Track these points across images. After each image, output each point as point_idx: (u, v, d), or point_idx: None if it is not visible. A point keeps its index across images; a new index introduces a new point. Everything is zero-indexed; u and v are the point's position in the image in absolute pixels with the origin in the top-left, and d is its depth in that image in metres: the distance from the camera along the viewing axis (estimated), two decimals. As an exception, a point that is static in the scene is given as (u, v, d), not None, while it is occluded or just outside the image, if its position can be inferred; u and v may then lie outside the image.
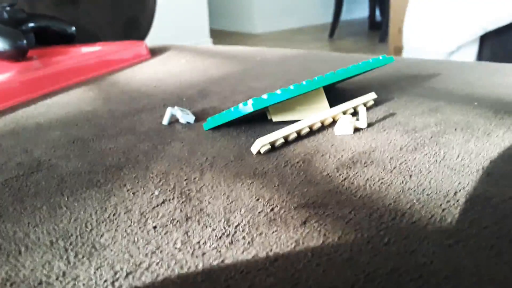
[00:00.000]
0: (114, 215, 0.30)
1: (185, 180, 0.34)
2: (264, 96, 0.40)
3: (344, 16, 3.53)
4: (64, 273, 0.24)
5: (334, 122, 0.44)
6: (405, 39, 1.62)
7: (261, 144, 0.37)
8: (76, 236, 0.27)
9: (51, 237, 0.27)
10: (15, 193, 0.34)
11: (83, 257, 0.25)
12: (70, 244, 0.26)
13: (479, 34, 1.37)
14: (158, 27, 1.33)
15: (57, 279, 0.23)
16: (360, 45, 2.81)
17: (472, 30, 1.39)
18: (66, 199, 0.32)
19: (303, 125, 0.40)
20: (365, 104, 0.47)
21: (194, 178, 0.35)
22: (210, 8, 3.19)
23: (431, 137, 0.39)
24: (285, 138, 0.40)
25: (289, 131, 0.39)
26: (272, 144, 0.39)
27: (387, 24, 2.56)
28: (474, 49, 1.48)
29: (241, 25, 3.88)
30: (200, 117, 0.49)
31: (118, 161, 0.39)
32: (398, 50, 2.17)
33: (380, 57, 0.49)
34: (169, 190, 0.33)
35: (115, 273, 0.23)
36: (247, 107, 0.39)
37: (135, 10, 1.25)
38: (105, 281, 0.23)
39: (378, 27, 3.15)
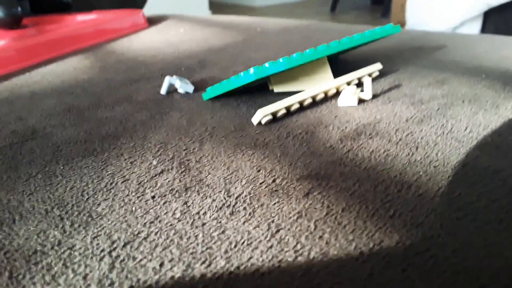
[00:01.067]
0: (111, 184, 0.29)
1: (184, 150, 0.33)
2: (266, 65, 0.39)
3: (346, -11, 3.45)
4: (59, 242, 0.23)
5: (338, 93, 0.43)
6: (408, 15, 1.59)
7: (262, 114, 0.36)
8: (72, 205, 0.26)
9: (46, 205, 0.26)
10: (9, 161, 0.33)
11: (79, 226, 0.24)
12: (66, 213, 0.26)
13: (483, 9, 1.34)
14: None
15: (52, 248, 0.22)
16: (362, 20, 2.76)
17: (476, 6, 1.36)
18: (62, 167, 0.31)
19: (306, 96, 0.39)
20: (370, 75, 0.46)
21: (193, 149, 0.34)
22: (209, -22, 3.11)
23: (438, 109, 0.38)
24: (287, 108, 0.38)
25: (292, 101, 0.38)
26: (274, 114, 0.37)
27: (390, -2, 2.51)
28: (477, 25, 1.45)
29: (240, -3, 3.80)
30: (199, 87, 0.48)
31: (115, 130, 0.38)
32: (401, 26, 2.13)
33: (386, 26, 0.47)
34: (168, 160, 0.32)
35: (112, 243, 0.23)
36: (249, 75, 0.38)
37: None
38: (102, 250, 0.22)
39: (381, 2, 3.09)
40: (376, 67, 0.46)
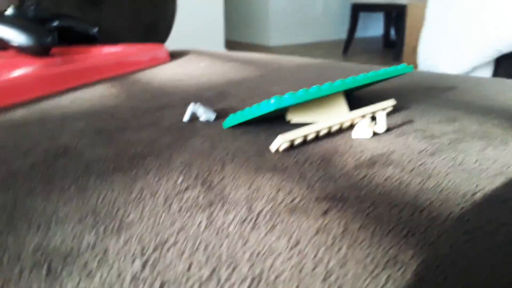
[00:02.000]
0: (140, 197, 0.31)
1: (207, 171, 0.35)
2: (284, 96, 0.41)
3: (359, 33, 3.55)
4: (94, 245, 0.25)
5: (352, 126, 0.45)
6: (420, 59, 1.63)
7: (282, 140, 0.38)
8: (105, 214, 0.28)
9: (80, 213, 0.28)
10: (43, 175, 0.35)
11: (111, 232, 0.26)
12: (99, 220, 0.28)
13: (494, 56, 1.37)
14: (175, 35, 1.35)
15: (87, 249, 0.24)
16: (374, 63, 2.82)
17: (487, 52, 1.39)
18: (94, 181, 0.33)
19: (322, 126, 0.41)
20: (383, 110, 0.48)
21: (215, 170, 0.36)
22: (226, 18, 3.24)
23: (449, 143, 0.39)
24: (305, 137, 0.41)
25: (309, 130, 0.40)
26: (292, 142, 0.40)
27: (402, 43, 2.58)
28: (489, 70, 1.48)
29: (256, 37, 3.92)
30: (219, 116, 0.50)
31: (142, 151, 0.40)
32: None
33: (400, 66, 0.50)
34: (192, 179, 0.34)
35: (143, 247, 0.24)
36: (269, 105, 0.40)
37: (155, 15, 1.28)
38: (134, 253, 0.24)
39: (392, 46, 3.16)
40: (390, 103, 0.48)
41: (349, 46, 3.13)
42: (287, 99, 0.41)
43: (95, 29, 1.06)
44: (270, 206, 0.29)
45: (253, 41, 3.94)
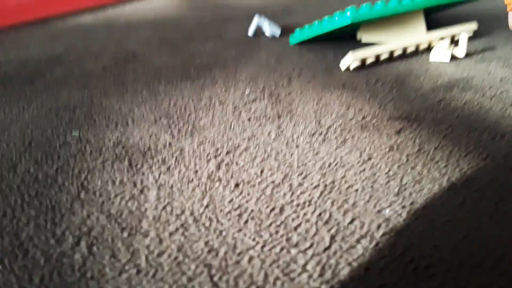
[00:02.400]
0: (210, 104, 0.31)
1: (274, 84, 0.35)
2: (361, 8, 0.39)
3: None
4: (170, 144, 0.25)
5: (429, 48, 0.42)
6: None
7: (353, 57, 0.36)
8: (177, 117, 0.29)
9: (154, 115, 0.29)
10: (115, 77, 0.36)
11: (185, 133, 0.27)
12: (173, 122, 0.28)
13: None
14: None
15: (164, 147, 0.25)
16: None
17: None
18: (164, 87, 0.34)
19: (396, 46, 0.39)
20: (464, 33, 0.44)
21: (282, 84, 0.35)
22: None
23: (537, 72, 0.36)
24: (377, 57, 0.38)
25: (383, 50, 0.38)
26: (363, 61, 0.38)
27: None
28: None
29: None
30: (285, 32, 0.49)
31: (208, 62, 0.40)
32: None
33: None
34: (259, 91, 0.33)
35: (217, 149, 0.25)
36: (344, 18, 0.38)
37: None
38: (208, 154, 0.24)
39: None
40: (471, 26, 0.44)
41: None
42: (364, 12, 0.38)
43: None
44: (340, 122, 0.29)
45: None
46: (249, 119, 0.29)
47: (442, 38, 0.42)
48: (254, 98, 0.32)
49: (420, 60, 0.39)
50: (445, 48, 0.39)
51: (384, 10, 0.38)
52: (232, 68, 0.38)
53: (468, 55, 0.41)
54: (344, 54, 0.41)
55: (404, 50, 0.40)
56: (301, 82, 0.35)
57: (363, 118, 0.29)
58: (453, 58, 0.40)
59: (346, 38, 0.45)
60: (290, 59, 0.40)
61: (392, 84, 0.35)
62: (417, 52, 0.41)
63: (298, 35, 0.43)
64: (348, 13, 0.37)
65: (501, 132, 0.27)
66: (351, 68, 0.37)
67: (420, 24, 0.42)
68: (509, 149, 0.25)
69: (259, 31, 0.49)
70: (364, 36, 0.43)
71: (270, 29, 0.47)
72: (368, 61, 0.38)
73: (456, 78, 0.35)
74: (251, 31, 0.48)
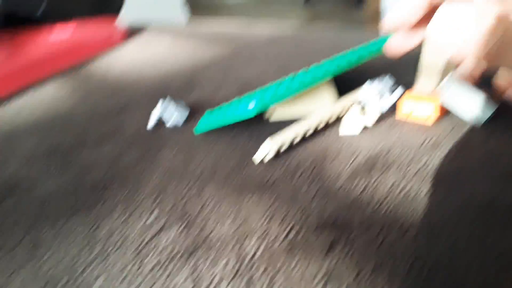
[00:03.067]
0: (104, 253, 0.26)
1: (184, 197, 0.31)
2: (264, 93, 0.36)
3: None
4: None
5: (339, 118, 0.40)
6: (383, 5, 1.57)
7: (266, 151, 0.33)
8: (64, 285, 0.23)
9: (35, 286, 0.23)
10: (-12, 224, 0.29)
11: (76, 314, 0.21)
12: (59, 295, 0.23)
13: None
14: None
15: None
16: (338, 9, 2.75)
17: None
18: (48, 232, 0.28)
19: (309, 127, 0.37)
20: (372, 99, 0.43)
21: (192, 195, 0.31)
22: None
23: (447, 135, 0.35)
24: (291, 142, 0.36)
25: (295, 134, 0.35)
26: (277, 150, 0.35)
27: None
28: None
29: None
30: (191, 111, 0.45)
31: (103, 177, 0.34)
32: (376, 16, 2.12)
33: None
34: (166, 213, 0.29)
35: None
36: (248, 112, 0.35)
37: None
38: None
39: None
40: (386, 82, 0.43)
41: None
42: (268, 101, 0.36)
43: (41, 8, 0.96)
44: (263, 246, 0.25)
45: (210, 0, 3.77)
46: (152, 268, 0.24)
47: (350, 106, 0.40)
48: (161, 226, 0.27)
49: (332, 135, 0.37)
50: (353, 119, 0.37)
51: (287, 92, 0.36)
52: (133, 181, 0.33)
53: (378, 120, 0.39)
54: (254, 139, 0.38)
55: (316, 127, 0.38)
56: (214, 187, 0.31)
57: (289, 232, 0.26)
58: (364, 127, 0.38)
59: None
60: (198, 155, 0.37)
61: (311, 173, 0.32)
62: (327, 125, 0.39)
63: (203, 126, 0.39)
64: (251, 105, 0.34)
65: (438, 226, 0.25)
66: (266, 160, 0.34)
67: (328, 92, 0.41)
68: (450, 252, 0.23)
69: (160, 121, 0.44)
70: (272, 115, 0.40)
71: (174, 115, 0.43)
72: (283, 149, 0.35)
73: (373, 154, 0.34)
74: (150, 124, 0.43)
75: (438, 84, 0.35)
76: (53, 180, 0.34)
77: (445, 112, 0.38)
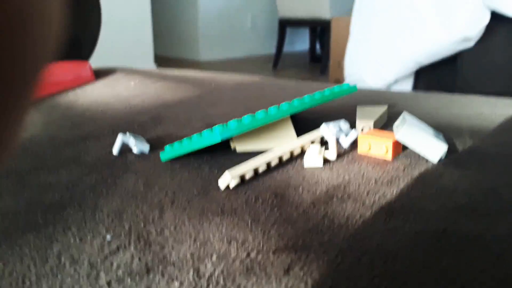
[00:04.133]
0: (57, 267, 0.24)
1: (143, 220, 0.30)
2: (229, 124, 0.37)
3: (287, 48, 3.60)
4: None
5: (302, 152, 0.41)
6: (346, 72, 1.67)
7: (231, 176, 0.34)
8: (8, 298, 0.22)
9: (-26, 299, 0.22)
10: None
11: (17, 326, 0.20)
12: (0, 308, 0.21)
13: (415, 68, 1.45)
14: (101, 50, 1.26)
15: None
16: (303, 76, 2.87)
17: (408, 64, 1.46)
18: (-4, 247, 0.27)
19: (273, 157, 0.37)
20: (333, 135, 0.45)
21: (152, 218, 0.30)
22: (154, 33, 3.14)
23: (404, 169, 0.37)
24: (255, 170, 0.36)
25: (260, 162, 0.36)
26: (242, 177, 0.35)
27: (327, 57, 2.65)
28: (410, 82, 1.56)
29: (185, 52, 3.86)
30: (154, 145, 0.45)
31: (60, 199, 0.33)
32: (339, 82, 2.25)
33: (344, 86, 0.47)
34: (124, 234, 0.28)
35: None
36: (214, 136, 0.36)
37: (77, 29, 1.18)
38: None
39: (319, 60, 3.24)
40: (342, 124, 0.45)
41: (278, 61, 3.16)
42: (233, 129, 0.37)
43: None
44: (222, 266, 0.24)
45: (183, 56, 3.87)
46: (109, 283, 0.23)
47: (312, 142, 0.42)
48: (118, 246, 0.27)
49: (295, 167, 0.38)
50: (316, 153, 0.39)
51: (252, 123, 0.37)
52: (90, 204, 0.32)
53: (340, 154, 0.41)
54: (219, 168, 0.38)
55: (280, 158, 0.39)
56: (174, 211, 0.31)
57: (248, 255, 0.25)
58: (326, 161, 0.40)
59: (221, 147, 0.43)
60: (162, 181, 0.36)
61: (272, 200, 0.32)
62: (291, 158, 0.40)
63: (169, 152, 0.39)
64: (216, 131, 0.35)
65: (391, 252, 0.25)
66: (231, 186, 0.34)
67: (289, 129, 0.42)
68: (403, 275, 0.23)
69: (125, 148, 0.44)
70: (237, 145, 0.41)
71: (137, 145, 0.43)
72: (248, 176, 0.35)
73: (333, 184, 0.34)
74: (115, 149, 0.43)
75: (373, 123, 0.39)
76: (7, 200, 0.33)
77: (401, 149, 0.41)
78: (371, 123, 0.45)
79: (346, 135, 0.42)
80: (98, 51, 1.26)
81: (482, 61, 1.32)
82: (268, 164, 0.37)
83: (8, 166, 0.40)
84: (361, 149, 0.40)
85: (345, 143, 0.41)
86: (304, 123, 0.51)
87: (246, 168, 0.35)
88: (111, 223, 0.29)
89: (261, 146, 0.41)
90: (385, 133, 0.41)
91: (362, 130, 0.46)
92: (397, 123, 0.40)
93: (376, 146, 0.39)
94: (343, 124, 0.43)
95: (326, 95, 0.45)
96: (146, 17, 3.00)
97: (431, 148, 0.37)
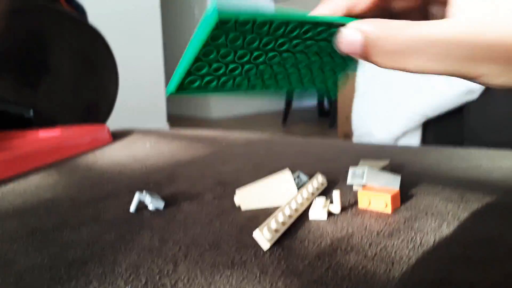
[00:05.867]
0: (81, 317, 0.26)
1: (158, 274, 0.32)
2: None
3: (295, 104, 3.70)
4: None
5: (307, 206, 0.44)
6: (354, 126, 1.71)
7: (266, 238, 0.35)
8: None
9: None
10: (-38, 294, 0.30)
11: None
12: None
13: (422, 120, 1.47)
14: (116, 111, 1.33)
15: None
16: (312, 131, 2.93)
17: (415, 117, 1.49)
18: (25, 301, 0.29)
19: (291, 211, 0.40)
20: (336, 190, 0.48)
21: (167, 271, 0.32)
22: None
23: (404, 222, 0.39)
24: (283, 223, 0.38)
25: (282, 216, 0.38)
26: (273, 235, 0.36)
27: (335, 112, 2.71)
28: (418, 134, 1.58)
29: (197, 110, 3.98)
30: (169, 202, 0.47)
31: (82, 255, 0.36)
32: (348, 136, 2.29)
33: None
34: (141, 287, 0.30)
35: None
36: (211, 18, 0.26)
37: (96, 95, 1.25)
38: None
39: (327, 114, 3.31)
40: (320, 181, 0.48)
41: (287, 117, 3.24)
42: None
43: (30, 112, 1.02)
44: (232, 315, 0.26)
45: (195, 114, 3.99)
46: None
47: (313, 193, 0.44)
48: (135, 298, 0.29)
49: (301, 219, 0.41)
50: (321, 206, 0.41)
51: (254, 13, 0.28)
52: (110, 259, 0.35)
53: (343, 208, 0.43)
54: (229, 224, 0.41)
55: (297, 211, 0.41)
56: (187, 264, 0.33)
57: (257, 305, 0.27)
58: (331, 213, 0.42)
59: (227, 203, 0.46)
60: (175, 236, 0.39)
61: (279, 253, 0.34)
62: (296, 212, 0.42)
63: (175, 79, 0.32)
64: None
65: None
66: (266, 247, 0.35)
67: (292, 186, 0.45)
68: (401, 320, 0.25)
69: (142, 205, 0.47)
70: (241, 204, 0.44)
71: (152, 203, 0.46)
72: (283, 230, 0.37)
73: (337, 237, 0.36)
74: (133, 207, 0.46)
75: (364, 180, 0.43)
76: (31, 257, 0.36)
77: (399, 202, 0.43)
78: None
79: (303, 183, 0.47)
80: (113, 111, 1.32)
81: (486, 112, 1.35)
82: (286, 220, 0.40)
83: (33, 225, 0.43)
84: (361, 204, 0.43)
85: (335, 208, 0.42)
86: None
87: (276, 224, 0.37)
88: (129, 277, 0.32)
89: (265, 204, 0.44)
90: (382, 188, 0.43)
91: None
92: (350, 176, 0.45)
93: (375, 201, 0.42)
94: (302, 175, 0.48)
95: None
96: (160, 80, 3.13)
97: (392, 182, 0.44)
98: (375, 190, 0.42)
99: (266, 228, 0.35)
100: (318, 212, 0.41)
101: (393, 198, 0.41)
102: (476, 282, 0.28)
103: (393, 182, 0.45)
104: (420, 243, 0.35)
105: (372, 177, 0.43)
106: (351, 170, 0.45)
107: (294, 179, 0.45)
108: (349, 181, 0.45)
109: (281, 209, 0.39)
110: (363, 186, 0.43)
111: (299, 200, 0.42)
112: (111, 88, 1.25)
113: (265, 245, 0.35)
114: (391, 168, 0.56)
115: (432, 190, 0.47)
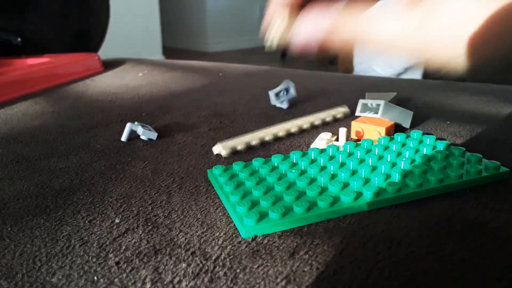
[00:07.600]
0: (67, 248, 0.25)
1: (150, 204, 0.30)
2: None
3: (296, 38, 3.58)
4: (4, 326, 0.19)
5: (300, 130, 0.42)
6: (355, 62, 1.66)
7: (221, 147, 0.35)
8: (22, 275, 0.22)
9: (-13, 277, 0.22)
10: None
11: (29, 303, 0.20)
12: (16, 284, 0.22)
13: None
14: (109, 43, 1.27)
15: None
16: (312, 67, 2.86)
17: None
18: (9, 228, 0.27)
19: (267, 133, 0.39)
20: (337, 119, 0.46)
21: (160, 202, 0.31)
22: (162, 25, 3.14)
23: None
24: (248, 144, 0.38)
25: (252, 137, 0.37)
26: (233, 148, 0.36)
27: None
28: (419, 71, 1.54)
29: (194, 43, 3.86)
30: (162, 134, 0.45)
31: (70, 183, 0.34)
32: (348, 71, 2.23)
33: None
34: (132, 217, 0.29)
35: (71, 324, 0.19)
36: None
37: (86, 22, 1.18)
38: (59, 335, 0.18)
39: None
40: (343, 109, 0.46)
41: (286, 52, 3.15)
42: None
43: (18, 39, 0.96)
44: (228, 249, 0.25)
45: (191, 47, 3.87)
46: (117, 263, 0.23)
47: (311, 122, 0.43)
48: (126, 229, 0.27)
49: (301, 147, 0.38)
50: (325, 142, 0.39)
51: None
52: (99, 189, 0.33)
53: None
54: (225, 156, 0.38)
55: (275, 135, 0.40)
56: (182, 196, 0.32)
57: (254, 238, 0.26)
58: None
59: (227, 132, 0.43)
60: (169, 167, 0.37)
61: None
62: (288, 136, 0.41)
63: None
64: None
65: (396, 238, 0.25)
66: (223, 155, 0.35)
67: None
68: (407, 261, 0.23)
69: (134, 136, 0.45)
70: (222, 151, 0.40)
71: (145, 133, 0.43)
72: (239, 147, 0.37)
73: (340, 173, 0.34)
74: (124, 136, 0.44)
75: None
76: (17, 185, 0.34)
77: (393, 134, 0.41)
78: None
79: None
80: (106, 43, 1.26)
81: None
82: (262, 140, 0.38)
83: (19, 153, 0.41)
84: (354, 135, 0.41)
85: (340, 143, 0.40)
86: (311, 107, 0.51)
87: (238, 141, 0.36)
88: (119, 207, 0.30)
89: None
90: (374, 119, 0.41)
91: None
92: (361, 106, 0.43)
93: (369, 132, 0.40)
94: (292, 90, 0.51)
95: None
96: (154, 9, 3.00)
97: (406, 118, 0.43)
98: (369, 121, 0.41)
99: (219, 143, 0.37)
100: (319, 144, 0.39)
101: (387, 130, 0.40)
102: (486, 222, 0.27)
103: (405, 119, 0.43)
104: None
105: (386, 111, 0.41)
106: (361, 102, 0.42)
107: (281, 91, 0.44)
108: (357, 112, 0.43)
109: (257, 132, 0.38)
110: (358, 118, 0.42)
111: (289, 126, 0.41)
112: (102, 15, 1.18)
113: (215, 151, 0.37)
114: (398, 101, 0.53)
115: (440, 124, 0.45)
